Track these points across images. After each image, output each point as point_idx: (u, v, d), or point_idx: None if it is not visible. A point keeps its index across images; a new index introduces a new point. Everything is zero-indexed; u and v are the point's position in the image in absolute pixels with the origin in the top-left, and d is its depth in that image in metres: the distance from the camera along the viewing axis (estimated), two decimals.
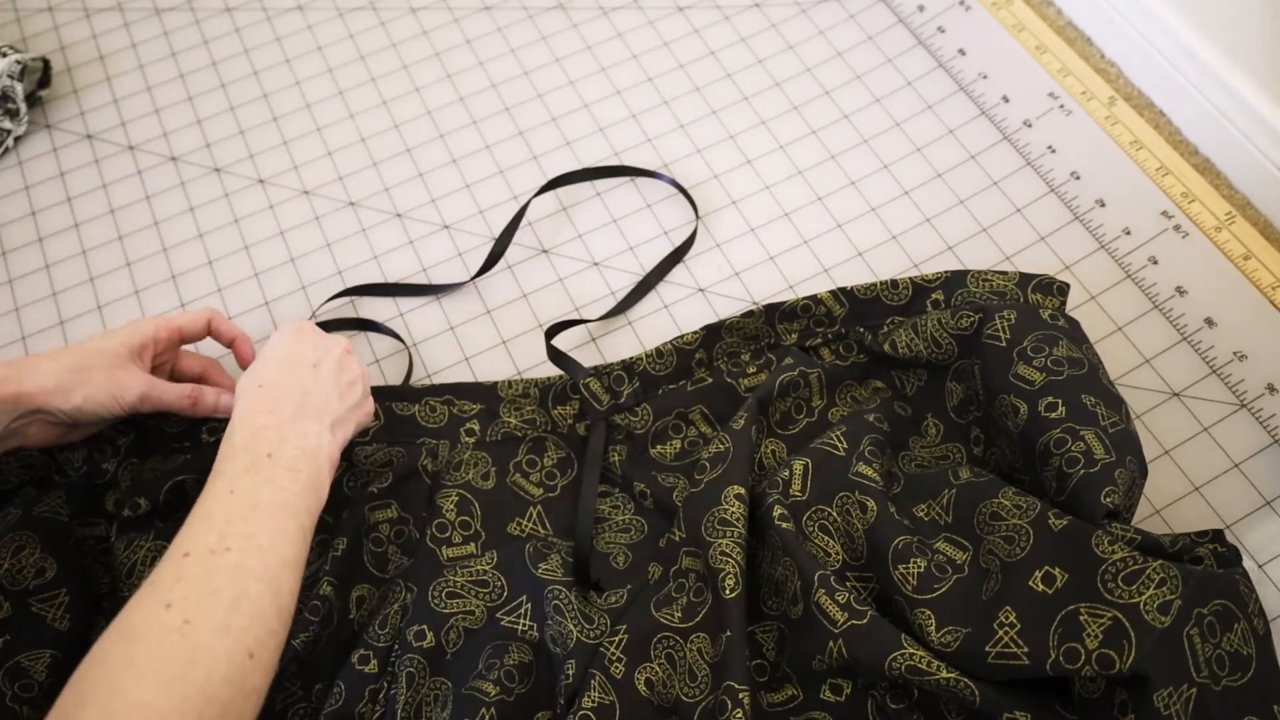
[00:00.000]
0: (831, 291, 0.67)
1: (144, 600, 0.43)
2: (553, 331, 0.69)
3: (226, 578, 0.44)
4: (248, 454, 0.50)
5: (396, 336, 0.71)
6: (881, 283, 0.66)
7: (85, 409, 0.55)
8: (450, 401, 0.66)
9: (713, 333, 0.66)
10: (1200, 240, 0.73)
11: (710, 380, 0.65)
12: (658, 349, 0.66)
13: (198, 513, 0.48)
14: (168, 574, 0.44)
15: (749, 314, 0.66)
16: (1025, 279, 0.65)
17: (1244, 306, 0.70)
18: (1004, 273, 0.65)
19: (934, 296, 0.66)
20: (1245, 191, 0.75)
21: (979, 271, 0.66)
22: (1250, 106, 0.73)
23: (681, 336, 0.66)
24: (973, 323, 0.62)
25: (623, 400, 0.64)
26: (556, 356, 0.67)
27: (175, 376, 0.63)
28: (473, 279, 0.73)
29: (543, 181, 0.78)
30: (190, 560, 0.45)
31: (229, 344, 0.64)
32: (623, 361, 0.66)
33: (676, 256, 0.74)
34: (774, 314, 0.67)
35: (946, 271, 0.66)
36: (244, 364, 0.64)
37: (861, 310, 0.67)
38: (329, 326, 0.72)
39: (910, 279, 0.66)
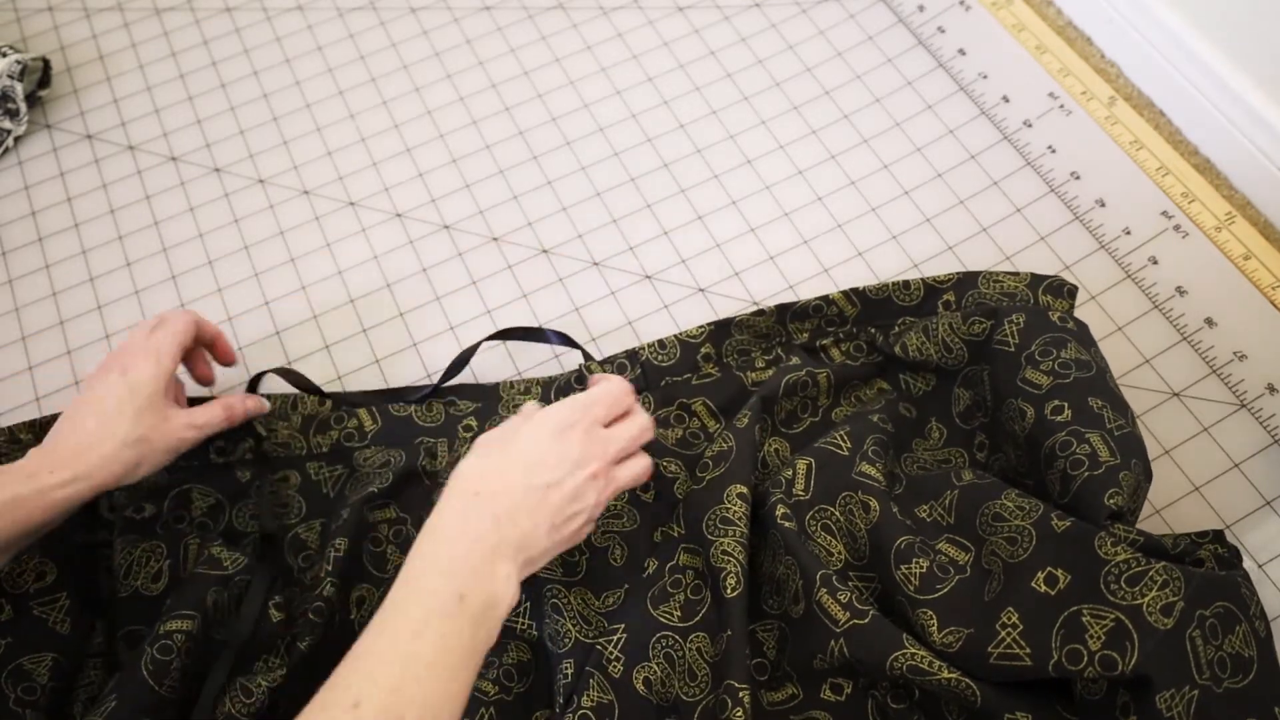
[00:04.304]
0: (844, 292, 0.67)
1: None
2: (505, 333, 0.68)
3: None
4: (444, 588, 0.45)
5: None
6: (894, 283, 0.66)
7: (148, 474, 0.56)
8: (451, 402, 0.66)
9: (721, 329, 0.66)
10: (1200, 240, 0.73)
11: (718, 375, 0.66)
12: (659, 340, 0.66)
13: (374, 645, 0.43)
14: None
15: (759, 312, 0.66)
16: (1037, 280, 0.65)
17: (1244, 306, 0.70)
18: (1016, 274, 0.65)
19: (946, 297, 0.66)
20: (1245, 191, 0.75)
21: (990, 272, 0.66)
22: (1250, 106, 0.73)
23: (686, 330, 0.66)
24: (984, 329, 0.62)
25: None
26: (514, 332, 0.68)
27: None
28: (435, 388, 0.67)
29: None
30: (359, 712, 0.41)
31: (210, 345, 0.63)
32: (626, 351, 0.66)
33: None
34: (786, 313, 0.67)
35: (958, 272, 0.66)
36: (227, 362, 0.64)
37: (873, 311, 0.67)
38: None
39: (922, 280, 0.66)
